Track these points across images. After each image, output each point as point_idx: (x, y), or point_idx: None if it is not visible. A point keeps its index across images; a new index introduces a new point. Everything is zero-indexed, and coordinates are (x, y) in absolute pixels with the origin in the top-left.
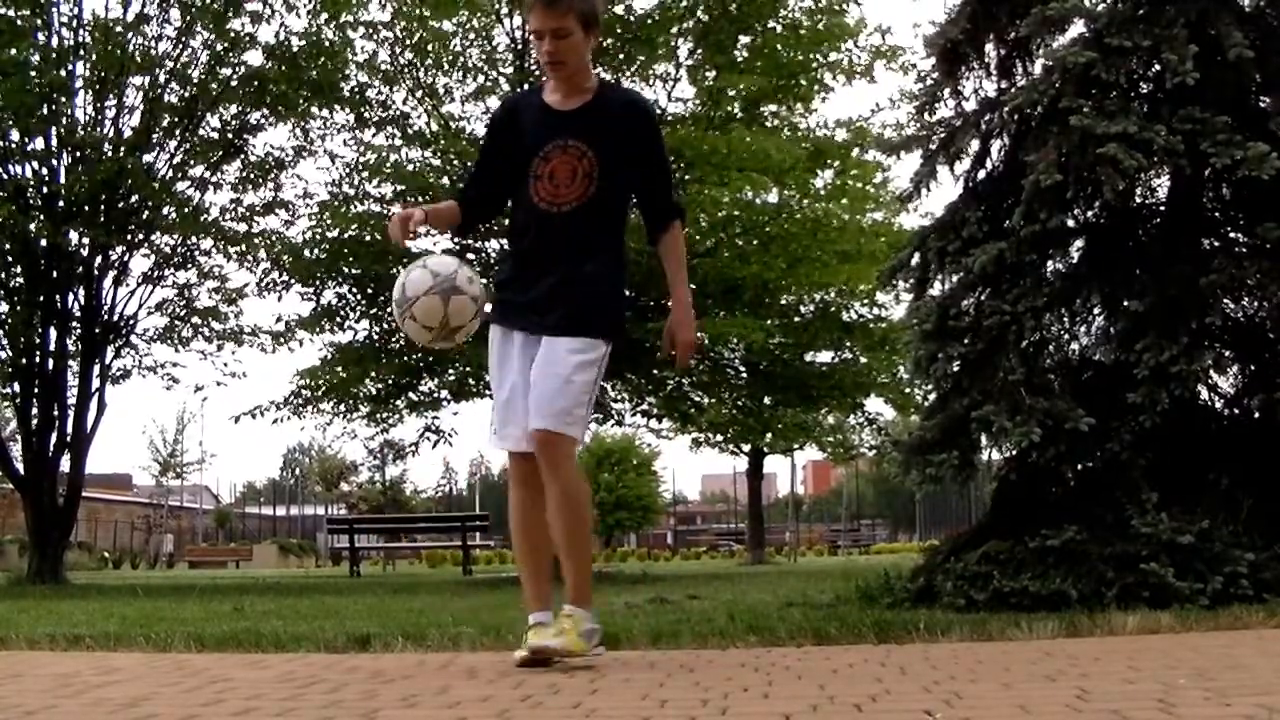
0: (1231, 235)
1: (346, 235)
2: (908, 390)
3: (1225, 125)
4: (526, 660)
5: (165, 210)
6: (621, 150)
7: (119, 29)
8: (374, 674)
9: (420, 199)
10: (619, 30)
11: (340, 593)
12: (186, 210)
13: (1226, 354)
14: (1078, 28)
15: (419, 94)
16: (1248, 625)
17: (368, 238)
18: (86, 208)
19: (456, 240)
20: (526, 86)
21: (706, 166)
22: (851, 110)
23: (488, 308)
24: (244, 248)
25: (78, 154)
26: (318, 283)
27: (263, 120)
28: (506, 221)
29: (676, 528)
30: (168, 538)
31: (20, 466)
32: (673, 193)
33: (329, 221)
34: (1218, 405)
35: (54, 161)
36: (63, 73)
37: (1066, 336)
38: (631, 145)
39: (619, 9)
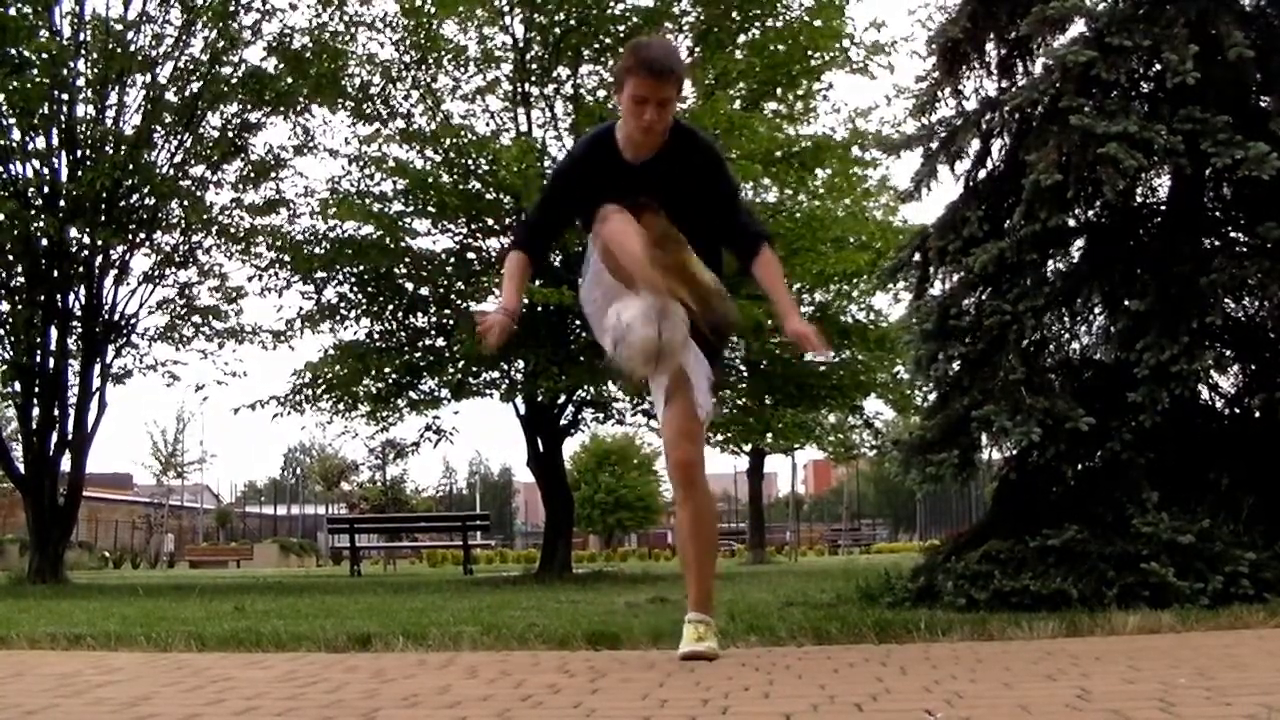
0: (1232, 235)
1: (348, 235)
2: (908, 391)
3: (1225, 125)
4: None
5: (170, 205)
6: (691, 194)
7: (120, 27)
8: (374, 673)
9: (422, 197)
10: (619, 29)
11: (341, 592)
12: (188, 204)
13: (1227, 354)
14: (1078, 27)
15: (419, 92)
16: (1248, 625)
17: (368, 231)
18: (88, 206)
19: (458, 241)
20: (526, 85)
21: None
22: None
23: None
24: (245, 245)
25: (79, 153)
26: (319, 281)
27: (263, 120)
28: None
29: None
30: (168, 537)
31: (21, 466)
32: (753, 219)
33: (334, 211)
34: (1218, 405)
35: (55, 160)
36: (64, 71)
37: (1067, 336)
38: (701, 186)
39: (619, 8)
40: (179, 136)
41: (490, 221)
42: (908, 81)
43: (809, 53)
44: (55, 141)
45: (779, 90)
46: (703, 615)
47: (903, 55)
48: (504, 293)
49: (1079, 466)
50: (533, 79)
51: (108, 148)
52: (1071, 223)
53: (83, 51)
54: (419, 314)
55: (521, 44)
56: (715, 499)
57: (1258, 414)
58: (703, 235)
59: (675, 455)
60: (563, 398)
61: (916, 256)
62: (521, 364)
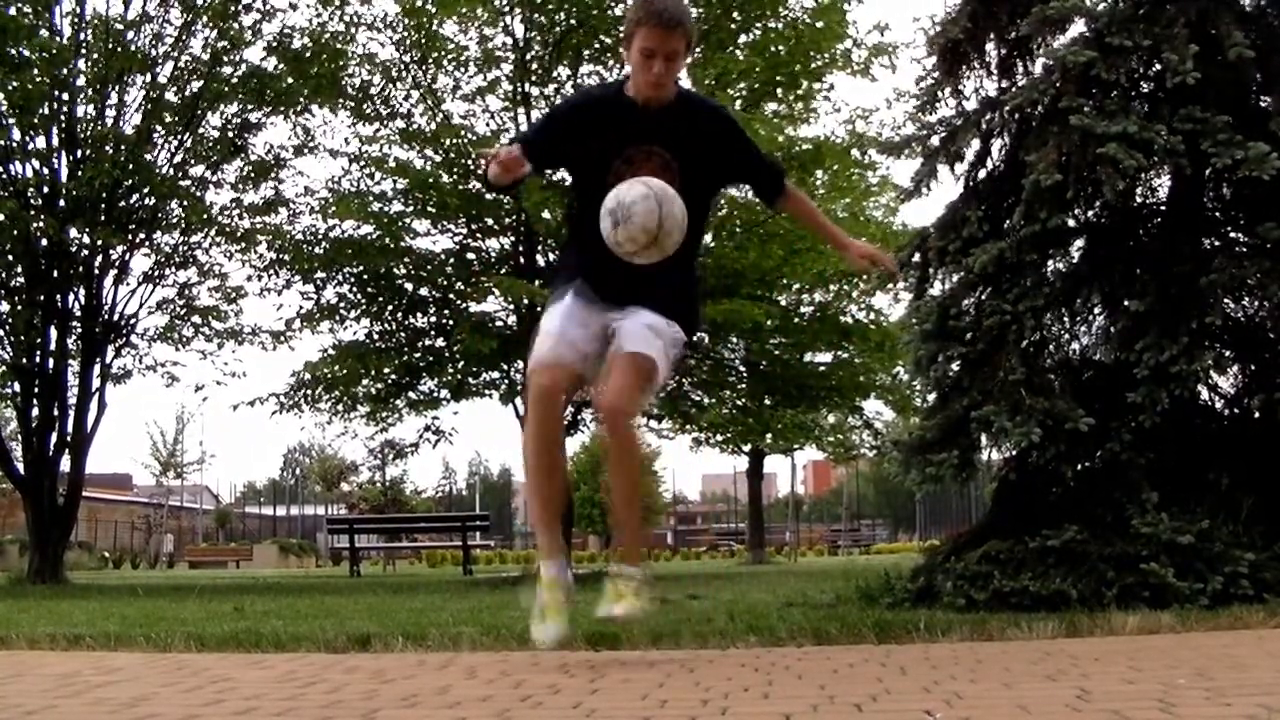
0: (1231, 235)
1: (348, 235)
2: (907, 392)
3: (1225, 125)
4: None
5: (170, 205)
6: (706, 157)
7: (120, 27)
8: (374, 674)
9: (422, 197)
10: (619, 30)
11: (340, 593)
12: (188, 204)
13: (1226, 354)
14: (1078, 27)
15: (419, 92)
16: (1248, 625)
17: (368, 231)
18: (88, 206)
19: (458, 241)
20: (526, 85)
21: None
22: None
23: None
24: (245, 245)
25: (79, 153)
26: (319, 281)
27: (263, 120)
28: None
29: (677, 527)
30: (168, 538)
31: (21, 466)
32: (768, 160)
33: (334, 210)
34: (1218, 405)
35: (55, 160)
36: (64, 71)
37: (1066, 336)
38: (718, 151)
39: (619, 9)
40: (179, 136)
41: (490, 221)
42: (909, 85)
43: (810, 53)
44: (55, 141)
45: (779, 91)
46: (627, 568)
47: (905, 60)
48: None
49: (1079, 467)
50: (533, 79)
51: (108, 147)
52: (1071, 223)
53: (83, 51)
54: (419, 314)
55: (522, 44)
56: (641, 445)
57: (1257, 414)
58: (697, 202)
59: (605, 403)
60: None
61: (916, 257)
62: (521, 364)
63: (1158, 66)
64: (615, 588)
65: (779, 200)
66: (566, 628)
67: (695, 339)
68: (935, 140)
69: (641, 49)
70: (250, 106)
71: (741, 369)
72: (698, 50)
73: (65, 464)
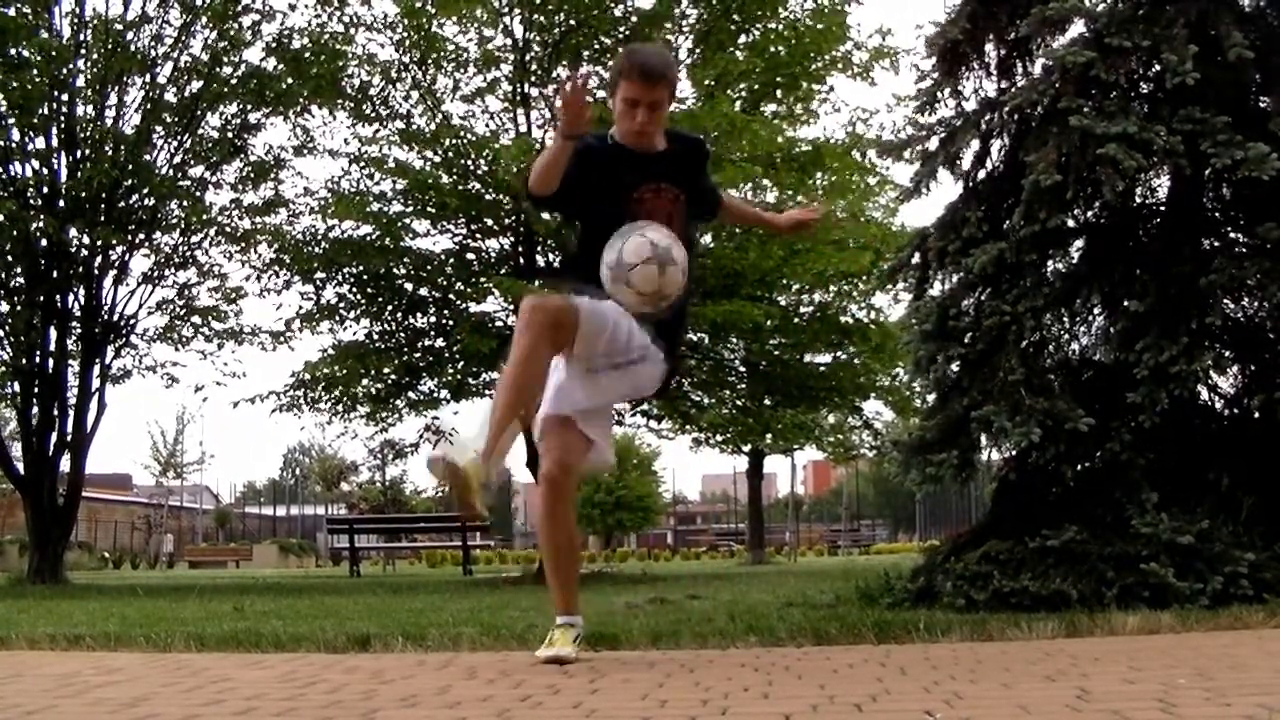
0: (1231, 235)
1: (348, 235)
2: (907, 394)
3: (1225, 125)
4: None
5: (170, 205)
6: (695, 188)
7: (120, 27)
8: (374, 674)
9: (421, 197)
10: (619, 30)
11: (340, 593)
12: (187, 204)
13: (1226, 354)
14: (1078, 27)
15: (419, 93)
16: (1248, 625)
17: (368, 231)
18: (88, 206)
19: (458, 241)
20: (526, 85)
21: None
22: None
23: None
24: (244, 245)
25: (79, 153)
26: (318, 281)
27: (263, 120)
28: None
29: (677, 528)
30: (168, 538)
31: (20, 466)
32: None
33: (333, 210)
34: (1218, 405)
35: (55, 160)
36: (64, 71)
37: (1066, 336)
38: (700, 180)
39: (618, 9)
40: (179, 137)
41: (490, 222)
42: (909, 91)
43: (810, 55)
44: (55, 141)
45: (779, 92)
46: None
47: (906, 66)
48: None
49: (1078, 467)
50: (532, 79)
51: (107, 147)
52: (1071, 223)
53: (82, 51)
54: (418, 315)
55: (521, 44)
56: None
57: (1257, 414)
58: (688, 225)
59: (547, 461)
60: None
61: (916, 257)
62: None
63: (1157, 67)
64: (564, 635)
65: (720, 213)
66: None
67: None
68: (935, 141)
69: (625, 99)
70: (250, 107)
71: (741, 369)
72: (697, 51)
73: (65, 464)
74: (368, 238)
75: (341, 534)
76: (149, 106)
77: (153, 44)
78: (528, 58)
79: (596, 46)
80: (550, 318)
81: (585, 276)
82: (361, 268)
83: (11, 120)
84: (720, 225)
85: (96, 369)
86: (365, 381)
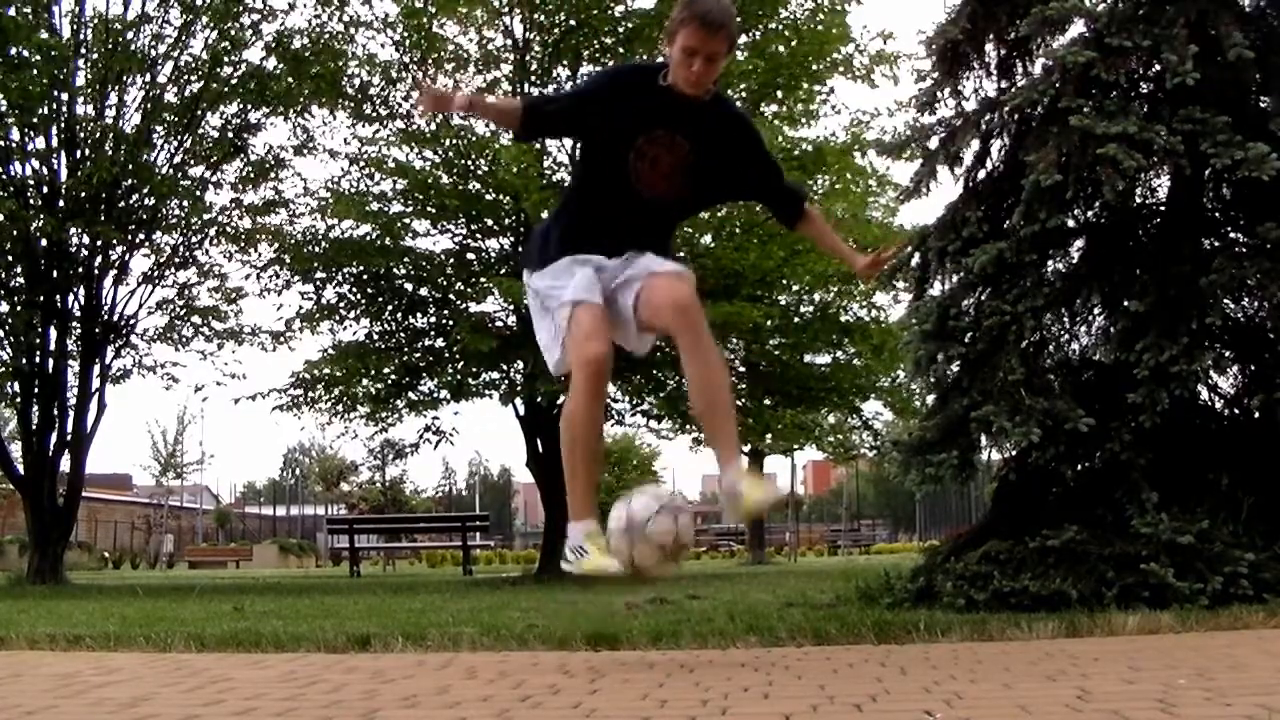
0: (1231, 235)
1: (348, 235)
2: (906, 395)
3: (1225, 125)
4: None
5: (170, 205)
6: (723, 158)
7: (119, 27)
8: (374, 674)
9: (421, 198)
10: (619, 30)
11: (340, 593)
12: (187, 204)
13: (1226, 354)
14: (1078, 27)
15: (419, 92)
16: (1248, 625)
17: (368, 231)
18: (88, 206)
19: (458, 242)
20: (526, 85)
21: None
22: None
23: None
24: (244, 245)
25: (79, 153)
26: (318, 281)
27: (263, 120)
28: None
29: None
30: (168, 538)
31: (20, 467)
32: (790, 182)
33: (333, 209)
34: (1218, 405)
35: (55, 160)
36: (64, 71)
37: (1066, 336)
38: (737, 156)
39: (618, 9)
40: (179, 136)
41: (490, 222)
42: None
43: (810, 56)
44: (55, 141)
45: (779, 93)
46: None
47: (907, 71)
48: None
49: (1078, 467)
50: (532, 79)
51: (107, 147)
52: (1071, 223)
53: (82, 51)
54: (418, 315)
55: (521, 44)
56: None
57: (1257, 414)
58: (698, 196)
59: (674, 300)
60: (561, 399)
61: (916, 257)
62: (520, 365)
63: (1157, 67)
64: (751, 480)
65: (798, 223)
66: (618, 565)
67: None
68: (935, 141)
69: (684, 47)
70: (250, 107)
71: (741, 369)
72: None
73: (65, 464)
74: (368, 238)
75: (341, 534)
76: (149, 106)
77: (153, 43)
78: (528, 58)
79: (596, 46)
80: (599, 369)
81: (577, 218)
82: (361, 268)
83: (11, 120)
84: (721, 225)
85: (96, 369)
86: (365, 381)
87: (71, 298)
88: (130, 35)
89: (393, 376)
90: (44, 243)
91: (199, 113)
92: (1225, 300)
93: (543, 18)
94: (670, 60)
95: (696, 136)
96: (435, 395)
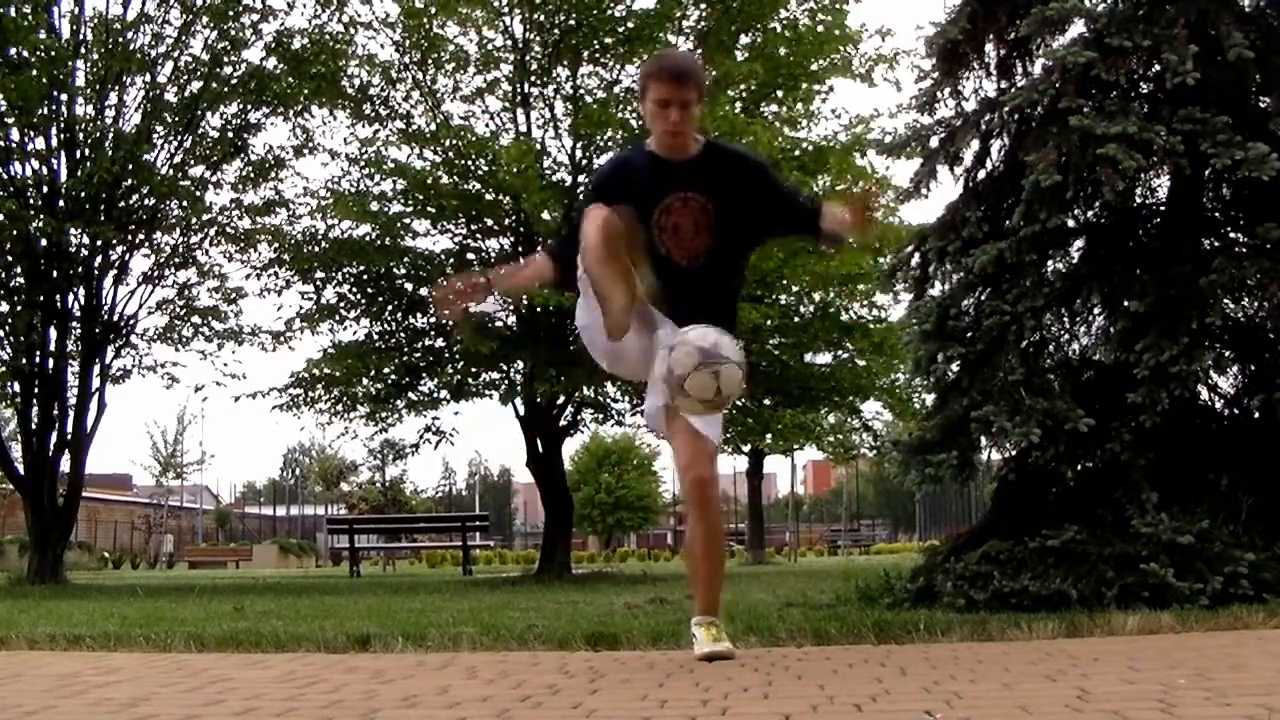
0: (1231, 235)
1: (348, 235)
2: (905, 397)
3: (1225, 125)
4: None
5: (170, 205)
6: (740, 199)
7: (119, 27)
8: (374, 674)
9: (421, 198)
10: (619, 30)
11: (340, 593)
12: (187, 204)
13: (1226, 354)
14: (1078, 28)
15: (419, 93)
16: (1248, 625)
17: (368, 231)
18: (88, 206)
19: (458, 242)
20: (526, 85)
21: None
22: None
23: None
24: (244, 245)
25: (79, 153)
26: (318, 281)
27: (263, 120)
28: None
29: (677, 528)
30: (168, 538)
31: (20, 467)
32: (806, 196)
33: (333, 209)
34: (1218, 405)
35: (55, 160)
36: (63, 71)
37: (1066, 336)
38: (752, 194)
39: (619, 9)
40: (179, 136)
41: (490, 222)
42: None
43: (809, 57)
44: (55, 141)
45: (779, 93)
46: (713, 618)
47: (907, 72)
48: (506, 270)
49: (1078, 467)
50: (532, 79)
51: (107, 146)
52: (1071, 223)
53: (82, 51)
54: (418, 314)
55: (521, 45)
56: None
57: (1257, 414)
58: (734, 242)
59: (691, 474)
60: (561, 399)
61: (916, 257)
62: (520, 365)
63: (1157, 67)
64: (710, 632)
65: (821, 229)
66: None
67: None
68: (935, 141)
69: (656, 100)
70: (250, 107)
71: None
72: (698, 52)
73: (65, 464)
74: (368, 238)
75: (341, 534)
76: (149, 106)
77: (153, 43)
78: (528, 58)
79: (596, 46)
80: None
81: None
82: (361, 268)
83: (11, 120)
84: None
85: (96, 369)
86: (365, 381)
87: (71, 298)
88: (130, 35)
89: (393, 376)
90: (44, 243)
91: (199, 113)
92: (1225, 300)
93: (543, 18)
94: (648, 122)
95: (708, 188)
96: (435, 395)
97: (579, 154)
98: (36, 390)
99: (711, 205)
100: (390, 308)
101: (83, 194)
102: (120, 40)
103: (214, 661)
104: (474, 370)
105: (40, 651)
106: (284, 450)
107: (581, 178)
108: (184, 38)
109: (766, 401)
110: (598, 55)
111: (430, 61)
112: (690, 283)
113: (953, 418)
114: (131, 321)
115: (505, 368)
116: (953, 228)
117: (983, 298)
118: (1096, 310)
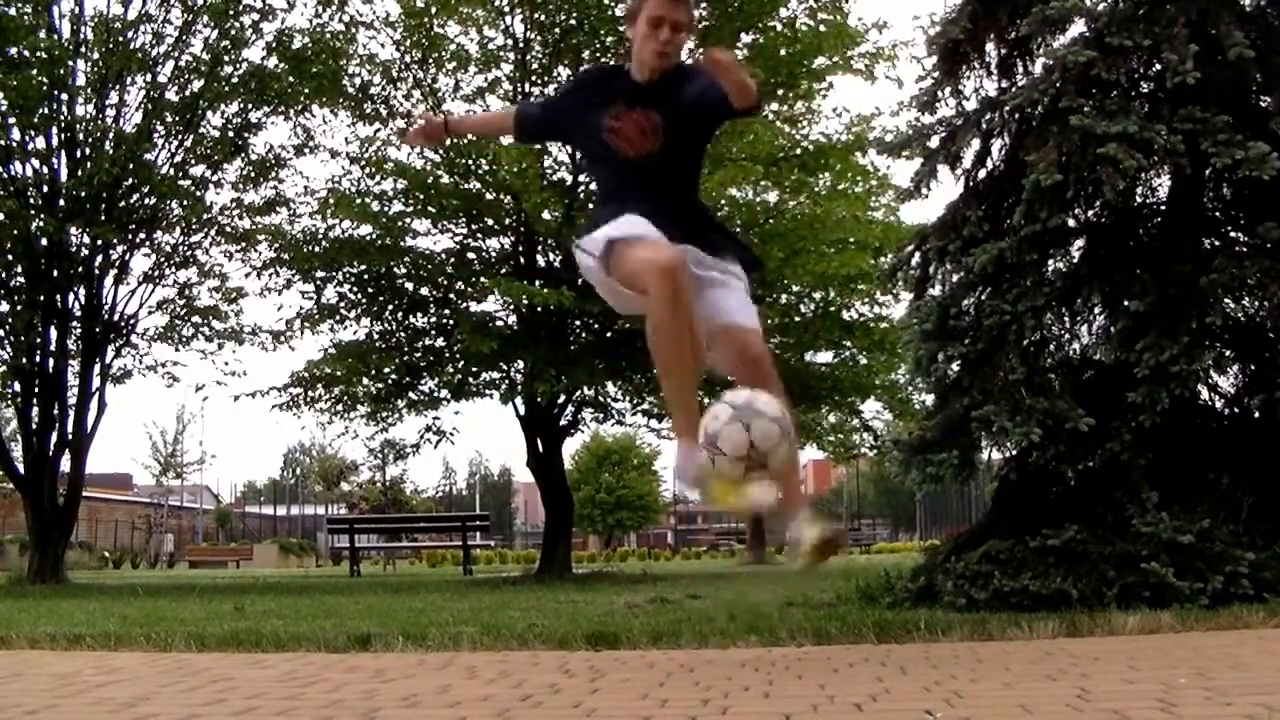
0: (1231, 235)
1: (348, 235)
2: (904, 397)
3: (1225, 125)
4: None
5: (170, 204)
6: (686, 110)
7: (119, 26)
8: (374, 674)
9: (422, 197)
10: (619, 30)
11: (340, 592)
12: (188, 204)
13: (1226, 354)
14: (1078, 27)
15: (420, 92)
16: (1248, 625)
17: (368, 231)
18: (88, 205)
19: (458, 241)
20: (527, 85)
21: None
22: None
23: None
24: (245, 244)
25: (79, 152)
26: (319, 281)
27: (263, 120)
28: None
29: (677, 527)
30: (168, 537)
31: (21, 466)
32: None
33: (333, 209)
34: (1218, 405)
35: (55, 160)
36: (63, 71)
37: (1067, 336)
38: (690, 96)
39: (619, 9)
40: (179, 136)
41: (490, 222)
42: (910, 93)
43: (809, 56)
44: (55, 141)
45: (779, 91)
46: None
47: (905, 68)
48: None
49: (1079, 467)
50: (533, 79)
51: (107, 146)
52: (1071, 223)
53: (82, 51)
54: (419, 314)
55: (522, 44)
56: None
57: (1257, 414)
58: (689, 152)
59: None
60: (562, 398)
61: (916, 256)
62: (521, 365)
63: (1158, 66)
64: (809, 525)
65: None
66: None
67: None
68: (935, 140)
69: (650, 18)
70: (251, 106)
71: None
72: (698, 51)
73: (65, 464)
74: (368, 237)
75: (342, 534)
76: (149, 106)
77: (153, 43)
78: (528, 57)
79: (597, 46)
80: (677, 278)
81: (606, 207)
82: (362, 267)
83: (12, 120)
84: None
85: (96, 369)
86: (365, 381)
87: (72, 297)
88: (130, 34)
89: (393, 376)
90: (44, 242)
91: (199, 112)
92: (1225, 300)
93: (544, 17)
94: (635, 41)
95: (663, 106)
96: (436, 395)
97: (579, 154)
98: (37, 390)
99: (665, 121)
100: (391, 307)
101: (83, 193)
102: (121, 40)
103: (214, 661)
104: (474, 370)
105: (41, 651)
106: (284, 450)
107: (582, 178)
108: (185, 37)
109: None
110: (598, 55)
111: (431, 61)
112: (650, 175)
113: (953, 417)
114: (132, 321)
115: (505, 367)
116: (953, 227)
117: (983, 297)
118: (1097, 310)
